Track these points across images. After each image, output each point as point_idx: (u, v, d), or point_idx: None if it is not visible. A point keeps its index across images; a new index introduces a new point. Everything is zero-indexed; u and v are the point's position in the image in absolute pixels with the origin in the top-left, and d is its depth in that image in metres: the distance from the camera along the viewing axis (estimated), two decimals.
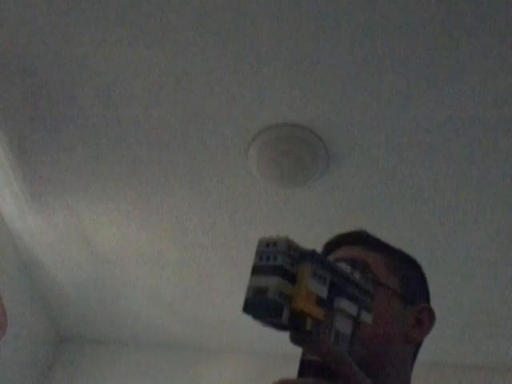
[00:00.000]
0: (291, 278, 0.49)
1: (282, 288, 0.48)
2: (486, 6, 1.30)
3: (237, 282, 2.12)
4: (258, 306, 0.49)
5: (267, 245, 0.51)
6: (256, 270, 0.50)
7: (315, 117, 1.59)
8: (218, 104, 1.59)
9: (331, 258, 0.89)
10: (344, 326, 0.55)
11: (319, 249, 0.70)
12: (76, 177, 1.85)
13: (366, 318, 0.58)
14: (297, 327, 0.50)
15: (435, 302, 0.93)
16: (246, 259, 2.00)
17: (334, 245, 0.91)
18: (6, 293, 1.93)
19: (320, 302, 0.51)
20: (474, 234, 1.86)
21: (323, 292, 0.52)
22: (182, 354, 2.50)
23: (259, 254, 0.51)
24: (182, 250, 2.06)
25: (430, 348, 1.63)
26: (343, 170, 1.72)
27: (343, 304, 0.54)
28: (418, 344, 0.86)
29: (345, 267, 0.57)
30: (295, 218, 1.88)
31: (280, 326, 0.51)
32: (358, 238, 0.91)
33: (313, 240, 1.95)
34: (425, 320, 0.86)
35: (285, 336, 0.61)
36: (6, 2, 1.41)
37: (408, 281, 0.87)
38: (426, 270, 0.96)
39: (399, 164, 1.68)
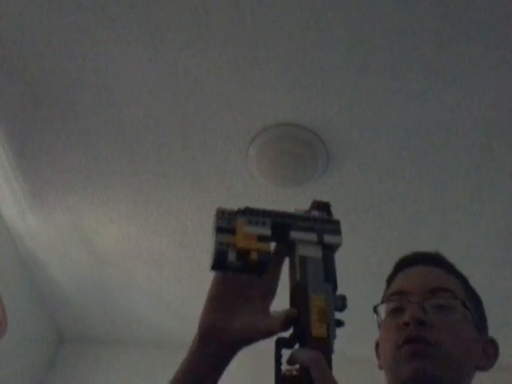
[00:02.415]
0: (231, 231, 0.64)
1: (223, 239, 0.63)
2: (486, 7, 1.30)
3: None
4: (213, 259, 0.62)
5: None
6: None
7: (315, 117, 1.59)
8: (217, 104, 1.59)
9: (405, 274, 0.91)
10: (311, 251, 0.66)
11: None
12: (76, 177, 1.85)
13: (331, 239, 0.68)
14: (246, 261, 0.62)
15: None
16: None
17: (409, 261, 0.93)
18: (6, 293, 1.93)
19: (263, 238, 0.64)
20: (473, 234, 1.86)
21: (264, 231, 0.65)
22: (182, 353, 2.50)
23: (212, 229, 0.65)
24: (182, 250, 2.06)
25: None
26: (343, 169, 1.71)
27: (296, 235, 0.66)
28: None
29: (296, 211, 0.70)
30: None
31: (240, 268, 0.62)
32: (435, 260, 0.92)
33: None
34: (491, 353, 0.87)
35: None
36: (5, 2, 1.41)
37: (479, 310, 0.89)
38: None
39: (399, 164, 1.68)
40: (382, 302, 0.89)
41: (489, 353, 0.87)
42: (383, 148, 1.65)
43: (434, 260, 0.92)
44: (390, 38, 1.39)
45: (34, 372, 2.35)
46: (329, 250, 0.67)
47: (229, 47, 1.45)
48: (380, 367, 0.88)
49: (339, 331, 0.62)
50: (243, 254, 0.62)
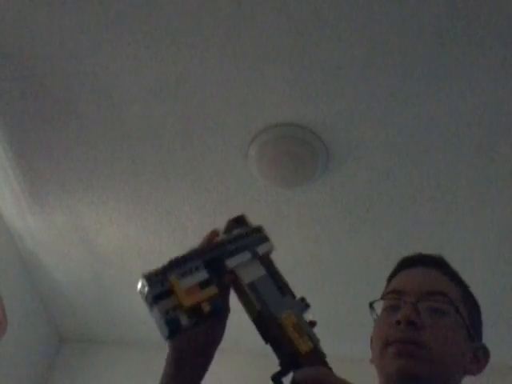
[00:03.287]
0: (169, 292, 0.59)
1: (166, 306, 0.58)
2: (487, 7, 1.30)
3: None
4: (166, 331, 0.57)
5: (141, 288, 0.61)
6: (148, 309, 0.60)
7: (315, 117, 1.59)
8: (218, 104, 1.59)
9: (406, 273, 0.92)
10: (254, 273, 0.63)
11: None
12: (76, 177, 1.85)
13: (263, 248, 0.66)
14: (200, 315, 0.58)
15: None
16: None
17: (410, 262, 0.94)
18: (6, 293, 1.93)
19: (205, 283, 0.60)
20: (473, 234, 1.86)
21: (202, 276, 0.61)
22: None
23: (143, 299, 0.61)
24: (182, 250, 2.06)
25: None
26: (343, 169, 1.71)
27: (231, 261, 0.63)
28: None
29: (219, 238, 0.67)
30: (295, 218, 1.87)
31: (196, 324, 0.59)
32: (436, 263, 0.94)
33: (313, 239, 1.95)
34: (481, 359, 0.88)
35: None
36: (5, 2, 1.41)
37: (473, 317, 0.90)
38: None
39: (399, 164, 1.68)
40: (379, 300, 0.91)
41: (479, 358, 0.88)
42: (383, 148, 1.65)
43: (435, 263, 0.93)
44: (390, 38, 1.39)
45: (34, 372, 2.35)
46: (266, 259, 0.66)
47: (229, 47, 1.45)
48: (371, 361, 0.89)
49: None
50: (194, 310, 0.58)
